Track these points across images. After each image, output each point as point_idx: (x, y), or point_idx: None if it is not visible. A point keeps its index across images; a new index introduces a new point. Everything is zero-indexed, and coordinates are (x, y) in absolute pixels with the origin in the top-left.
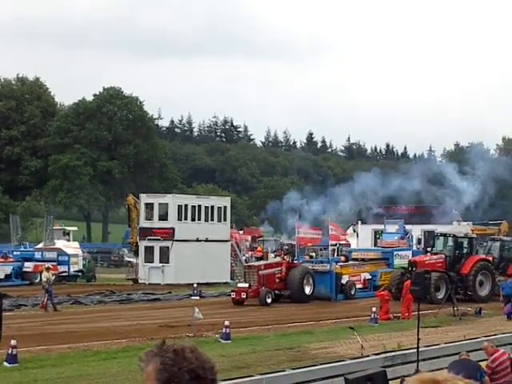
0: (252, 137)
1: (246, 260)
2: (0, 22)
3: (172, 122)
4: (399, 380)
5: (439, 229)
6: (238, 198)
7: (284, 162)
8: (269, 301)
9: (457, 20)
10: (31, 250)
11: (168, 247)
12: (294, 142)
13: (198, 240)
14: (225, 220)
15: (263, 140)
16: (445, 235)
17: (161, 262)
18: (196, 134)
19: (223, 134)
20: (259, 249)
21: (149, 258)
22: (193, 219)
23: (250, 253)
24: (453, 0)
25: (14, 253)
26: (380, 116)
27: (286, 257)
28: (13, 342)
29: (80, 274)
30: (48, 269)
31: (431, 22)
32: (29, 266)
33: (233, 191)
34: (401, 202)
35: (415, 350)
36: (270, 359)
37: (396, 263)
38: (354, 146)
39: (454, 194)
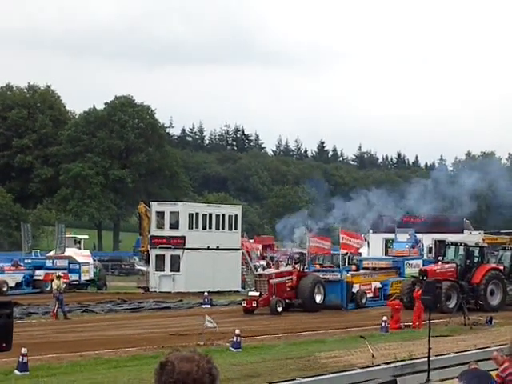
0: (263, 145)
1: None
2: (12, 31)
3: (183, 130)
4: None
5: (450, 238)
6: (249, 206)
7: (295, 170)
8: (279, 309)
9: (471, 29)
10: (42, 258)
11: (179, 255)
12: (306, 151)
13: (208, 248)
14: (236, 228)
15: (274, 149)
16: (456, 244)
17: (172, 271)
18: (207, 142)
19: (234, 143)
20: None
21: (160, 267)
22: (204, 227)
23: (260, 262)
24: (465, 9)
25: (25, 261)
26: (391, 125)
27: (296, 266)
28: (23, 350)
29: (91, 282)
30: (59, 277)
31: (445, 30)
32: (40, 274)
33: (244, 200)
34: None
35: (426, 360)
36: (280, 368)
37: (407, 272)
38: (366, 155)
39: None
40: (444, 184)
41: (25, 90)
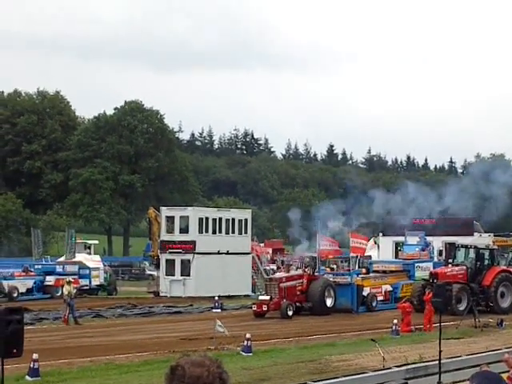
0: (272, 149)
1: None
2: (21, 37)
3: (192, 135)
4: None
5: (460, 240)
6: (258, 210)
7: (305, 174)
8: (290, 313)
9: (477, 29)
10: (53, 263)
11: (189, 260)
12: (315, 154)
13: (219, 253)
14: (246, 232)
15: (284, 152)
16: (466, 247)
17: (182, 275)
18: (216, 146)
19: (244, 147)
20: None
21: (170, 271)
22: (214, 232)
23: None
24: (469, 11)
25: (36, 266)
26: (401, 128)
27: (306, 269)
28: (34, 356)
29: (101, 287)
30: (69, 282)
31: (455, 30)
32: (50, 280)
33: (253, 204)
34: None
35: (437, 362)
36: (291, 372)
37: (417, 275)
38: (375, 158)
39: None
40: (480, 182)
41: (34, 96)
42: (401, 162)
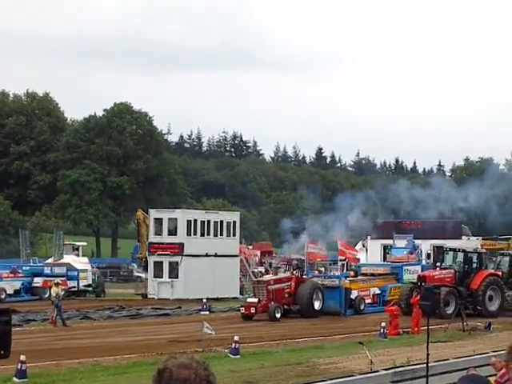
0: (261, 152)
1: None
2: (10, 37)
3: (181, 137)
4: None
5: (448, 244)
6: (247, 212)
7: (293, 176)
8: (278, 316)
9: (468, 33)
10: (40, 265)
11: (177, 262)
12: (304, 157)
13: (207, 255)
14: (234, 235)
15: (272, 155)
16: (454, 250)
17: (170, 277)
18: (205, 149)
19: (232, 149)
20: None
21: (158, 273)
22: (202, 234)
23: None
24: (467, 13)
25: (24, 268)
26: (389, 131)
27: (295, 272)
28: (22, 358)
29: (89, 289)
30: (57, 284)
31: (443, 34)
32: (38, 282)
33: (242, 206)
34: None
35: (425, 365)
36: (279, 374)
37: (405, 278)
38: (364, 161)
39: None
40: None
41: (22, 97)
42: (389, 165)
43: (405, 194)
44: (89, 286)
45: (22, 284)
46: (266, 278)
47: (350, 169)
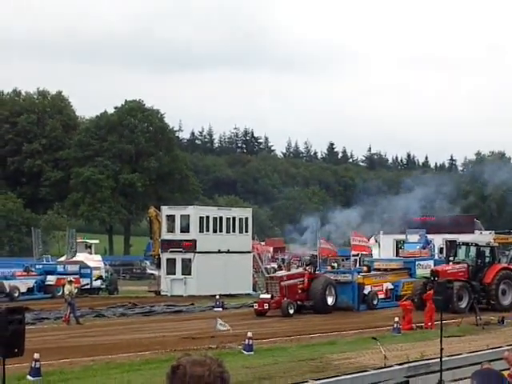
0: (273, 148)
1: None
2: (22, 37)
3: (193, 133)
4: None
5: (461, 238)
6: (259, 209)
7: (305, 172)
8: (291, 312)
9: (476, 25)
10: (53, 263)
11: (190, 259)
12: (315, 153)
13: (219, 251)
14: (246, 231)
15: (284, 151)
16: (467, 244)
17: (183, 274)
18: (217, 145)
19: (244, 146)
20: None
21: (171, 270)
22: (214, 231)
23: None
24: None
25: (37, 266)
26: (401, 126)
27: (307, 267)
28: (36, 356)
29: (102, 286)
30: (70, 282)
31: (451, 25)
32: (51, 280)
33: (254, 202)
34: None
35: (438, 360)
36: (292, 370)
37: (418, 273)
38: (375, 156)
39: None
40: None
41: (34, 96)
42: (401, 160)
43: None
44: (102, 283)
45: (35, 282)
46: (279, 274)
47: (362, 164)
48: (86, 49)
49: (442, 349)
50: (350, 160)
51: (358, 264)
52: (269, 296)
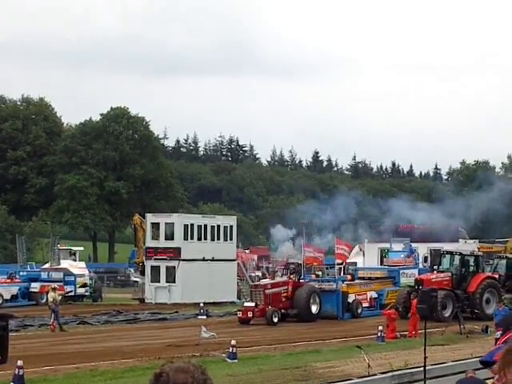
0: (258, 156)
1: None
2: (5, 42)
3: (178, 141)
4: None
5: (445, 247)
6: (244, 217)
7: (290, 180)
8: (275, 320)
9: (465, 33)
10: (37, 270)
11: (174, 267)
12: (300, 161)
13: (204, 259)
14: (231, 239)
15: (269, 159)
16: (451, 253)
17: (167, 282)
18: (202, 153)
19: (229, 154)
20: None
21: (155, 278)
22: (199, 238)
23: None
24: (465, 16)
25: (21, 273)
26: (385, 134)
27: (292, 276)
28: (19, 363)
29: (86, 294)
30: (54, 289)
31: (439, 37)
32: (35, 287)
33: (239, 210)
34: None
35: (422, 369)
36: (276, 379)
37: (402, 282)
38: (360, 165)
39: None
40: None
41: (18, 102)
42: (386, 169)
43: None
44: (86, 290)
45: (19, 289)
46: (263, 282)
47: (347, 172)
48: (71, 55)
49: (425, 357)
50: (335, 168)
51: (342, 272)
52: (253, 304)
